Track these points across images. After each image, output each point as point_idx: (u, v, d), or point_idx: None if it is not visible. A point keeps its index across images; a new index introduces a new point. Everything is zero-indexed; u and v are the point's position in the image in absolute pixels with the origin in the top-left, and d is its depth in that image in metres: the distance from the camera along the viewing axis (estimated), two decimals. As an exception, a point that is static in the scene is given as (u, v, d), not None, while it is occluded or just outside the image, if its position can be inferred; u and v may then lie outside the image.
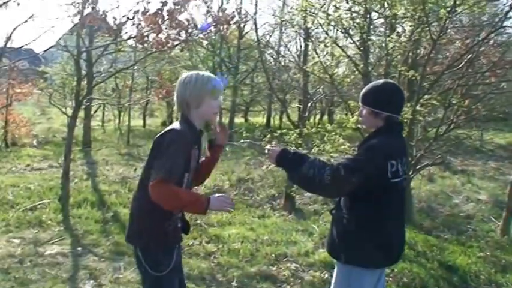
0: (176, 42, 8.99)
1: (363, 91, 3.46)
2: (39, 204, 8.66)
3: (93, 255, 6.53)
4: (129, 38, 9.25)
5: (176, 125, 3.18)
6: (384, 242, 3.24)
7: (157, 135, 3.14)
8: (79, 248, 6.75)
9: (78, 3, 8.35)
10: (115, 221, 8.10)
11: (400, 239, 3.46)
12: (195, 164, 3.26)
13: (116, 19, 8.66)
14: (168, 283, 3.25)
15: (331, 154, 7.66)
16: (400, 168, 3.18)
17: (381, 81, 3.57)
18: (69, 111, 9.28)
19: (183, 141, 3.06)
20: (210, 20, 9.07)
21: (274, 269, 6.34)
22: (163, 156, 2.98)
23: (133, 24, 8.47)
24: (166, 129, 3.14)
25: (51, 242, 6.95)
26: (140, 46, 9.17)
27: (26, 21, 8.57)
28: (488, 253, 7.29)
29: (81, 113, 15.32)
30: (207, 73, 3.31)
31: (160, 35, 8.51)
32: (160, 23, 8.33)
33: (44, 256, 6.35)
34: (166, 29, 8.48)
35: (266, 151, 3.41)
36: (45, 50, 12.18)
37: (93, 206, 8.79)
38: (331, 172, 3.07)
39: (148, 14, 8.30)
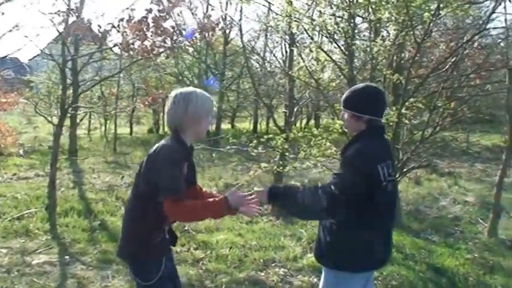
0: (161, 50, 8.98)
1: (345, 95, 3.49)
2: (26, 214, 8.58)
3: (81, 264, 6.48)
4: (115, 45, 9.23)
5: (168, 141, 3.21)
6: (371, 246, 3.23)
7: (151, 152, 3.18)
8: (67, 257, 6.69)
9: (63, 12, 8.32)
10: (102, 230, 8.05)
11: (388, 243, 3.47)
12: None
13: (100, 27, 8.64)
14: None
15: (318, 158, 7.69)
16: (386, 171, 3.20)
17: (362, 84, 3.59)
18: (55, 120, 9.22)
19: (178, 156, 3.10)
20: (194, 26, 9.08)
21: (262, 274, 6.33)
22: (165, 175, 3.02)
23: (119, 32, 8.44)
24: (159, 146, 3.18)
25: (39, 251, 6.88)
26: (126, 54, 9.15)
27: (10, 31, 8.52)
28: (476, 255, 7.34)
29: (67, 122, 15.26)
30: (202, 91, 3.36)
31: (146, 43, 8.48)
32: (145, 30, 8.31)
33: (32, 265, 6.30)
34: (151, 36, 8.46)
35: (255, 194, 3.37)
36: (31, 59, 12.19)
37: (80, 215, 8.72)
38: (326, 196, 3.11)
39: (133, 21, 8.28)
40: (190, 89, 3.35)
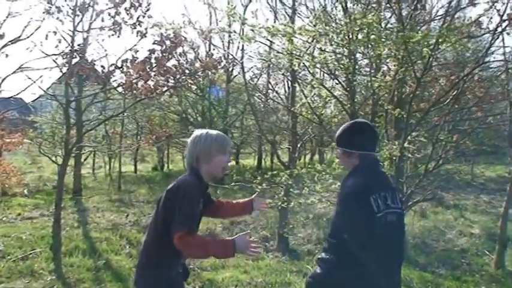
0: (165, 89, 9.08)
1: (336, 133, 3.61)
2: (30, 254, 8.58)
3: (86, 305, 6.48)
4: (118, 86, 9.33)
5: (187, 177, 3.37)
6: (371, 281, 3.20)
7: (170, 187, 3.31)
8: (72, 298, 6.69)
9: (66, 53, 8.44)
10: (107, 269, 8.04)
11: (393, 276, 3.36)
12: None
13: (104, 68, 8.75)
14: None
15: (322, 193, 7.69)
16: (382, 202, 3.21)
17: (352, 121, 3.70)
18: (59, 160, 9.27)
19: (196, 192, 3.26)
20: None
21: (269, 312, 6.31)
22: (181, 209, 3.14)
23: (122, 72, 8.55)
24: (179, 181, 3.32)
25: (44, 292, 6.88)
26: (129, 93, 9.24)
27: (14, 72, 8.63)
28: (483, 287, 7.29)
29: (72, 161, 15.31)
30: (215, 131, 3.54)
31: (149, 82, 8.59)
32: (148, 70, 8.42)
33: (36, 307, 6.30)
34: (154, 76, 8.57)
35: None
36: (34, 100, 12.28)
37: (85, 254, 8.72)
38: (328, 250, 3.31)
39: (136, 62, 8.40)
40: (204, 130, 3.53)
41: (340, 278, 3.25)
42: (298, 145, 11.45)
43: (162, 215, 3.31)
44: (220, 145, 3.42)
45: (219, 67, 9.79)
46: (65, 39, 8.62)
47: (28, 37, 8.53)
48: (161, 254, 3.34)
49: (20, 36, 8.54)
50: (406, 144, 7.31)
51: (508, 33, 7.50)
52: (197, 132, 3.51)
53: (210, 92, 20.24)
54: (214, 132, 3.50)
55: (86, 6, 8.60)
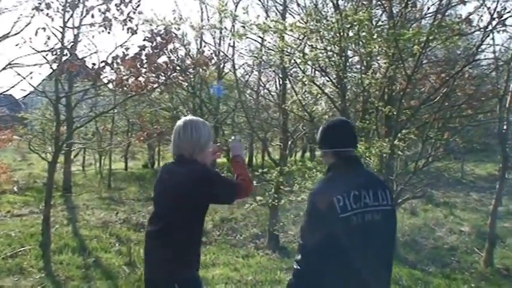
0: (155, 85, 9.05)
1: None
2: (20, 251, 8.53)
3: (75, 302, 6.45)
4: (109, 82, 9.29)
5: (195, 165, 3.39)
6: (344, 282, 3.14)
7: (190, 178, 3.32)
8: (61, 295, 6.66)
9: (56, 49, 8.38)
10: (97, 267, 8.01)
11: (371, 277, 3.22)
12: None
13: (94, 64, 8.70)
14: None
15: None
16: (349, 202, 3.11)
17: (327, 121, 3.67)
18: (50, 157, 9.22)
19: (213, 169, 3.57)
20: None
21: (259, 309, 6.31)
22: (222, 182, 3.43)
23: (112, 69, 8.51)
24: (193, 171, 3.36)
25: (32, 289, 6.83)
26: (120, 90, 9.20)
27: (4, 69, 8.56)
28: (472, 285, 7.34)
29: (62, 158, 15.24)
30: (196, 118, 3.58)
31: (140, 79, 8.55)
32: (139, 67, 8.38)
33: (25, 305, 6.26)
34: (145, 72, 8.53)
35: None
36: (24, 97, 12.20)
37: (75, 252, 8.68)
38: (298, 249, 3.22)
39: (127, 58, 8.36)
40: (193, 117, 3.57)
41: (313, 280, 3.21)
42: (289, 142, 11.45)
43: (185, 211, 3.34)
44: (212, 134, 3.55)
45: (210, 64, 9.76)
46: (55, 36, 8.58)
47: (17, 33, 8.46)
48: (195, 251, 3.50)
49: (9, 33, 8.47)
50: (396, 142, 7.31)
51: (498, 31, 7.54)
52: (193, 120, 3.51)
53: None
54: (199, 120, 3.53)
55: (76, 2, 8.55)
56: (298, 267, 3.14)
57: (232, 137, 3.99)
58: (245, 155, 3.39)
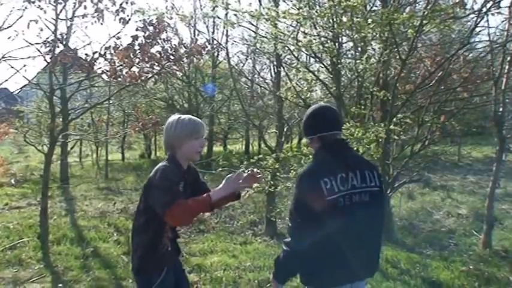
0: (149, 75, 9.02)
1: None
2: (18, 243, 8.54)
3: (75, 292, 6.46)
4: (102, 73, 9.25)
5: (163, 163, 3.47)
6: (330, 262, 3.22)
7: (150, 174, 3.43)
8: (60, 285, 6.68)
9: (49, 41, 8.34)
10: (95, 257, 8.03)
11: (359, 256, 3.29)
12: None
13: (88, 56, 8.66)
14: None
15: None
16: (336, 185, 3.17)
17: (309, 109, 3.63)
18: (46, 149, 9.21)
19: (171, 175, 3.33)
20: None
21: (257, 295, 6.33)
22: (160, 190, 3.24)
23: (106, 60, 8.47)
24: (156, 168, 3.41)
25: (32, 280, 6.86)
26: (114, 81, 9.17)
27: (-3, 62, 8.51)
28: (471, 267, 7.34)
29: (58, 150, 15.22)
30: (188, 116, 3.58)
31: (133, 69, 8.52)
32: (132, 57, 8.35)
33: (25, 295, 6.27)
34: (138, 62, 8.50)
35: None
36: (19, 90, 12.13)
37: (73, 242, 8.70)
38: (287, 232, 3.27)
39: (119, 49, 8.32)
40: (176, 115, 3.59)
41: (300, 261, 3.27)
42: (285, 129, 11.45)
43: (144, 201, 3.47)
44: (191, 131, 3.48)
45: (203, 52, 9.72)
46: (47, 28, 8.54)
47: (10, 26, 8.41)
48: (146, 234, 3.49)
49: (1, 26, 8.42)
50: (392, 126, 7.31)
51: (492, 14, 7.50)
52: (170, 119, 3.58)
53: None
54: (186, 117, 3.55)
55: (68, -7, 8.50)
56: (288, 248, 3.20)
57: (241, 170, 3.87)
58: (224, 191, 3.13)
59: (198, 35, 19.05)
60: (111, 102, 16.19)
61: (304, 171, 3.35)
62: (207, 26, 20.93)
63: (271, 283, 3.60)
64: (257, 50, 12.50)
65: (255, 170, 3.58)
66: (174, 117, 3.57)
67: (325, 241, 3.14)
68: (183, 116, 3.56)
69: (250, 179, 3.53)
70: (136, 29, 8.40)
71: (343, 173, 3.22)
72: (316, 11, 7.71)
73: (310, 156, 7.61)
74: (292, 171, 7.78)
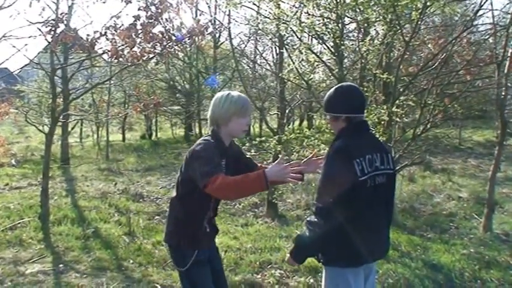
0: (151, 55, 8.97)
1: (324, 99, 3.61)
2: (19, 223, 8.55)
3: (75, 272, 6.48)
4: (103, 53, 9.21)
5: (206, 137, 3.48)
6: (356, 241, 3.25)
7: (190, 148, 3.45)
8: (60, 265, 6.69)
9: (50, 21, 8.28)
10: (96, 237, 8.03)
11: (377, 236, 3.48)
12: None
13: (89, 35, 8.61)
14: (196, 275, 3.59)
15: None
16: (366, 165, 3.24)
17: (336, 86, 3.65)
18: (47, 129, 9.19)
19: (212, 150, 3.33)
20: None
21: (259, 276, 6.34)
22: (201, 162, 3.21)
23: (107, 40, 8.42)
24: (197, 142, 3.43)
25: (32, 260, 6.87)
26: (115, 61, 9.13)
27: (-1, 41, 8.46)
28: (471, 250, 7.35)
29: (59, 130, 15.20)
30: (237, 93, 3.55)
31: (135, 49, 8.47)
32: (134, 37, 8.29)
33: (25, 275, 6.29)
34: (140, 42, 8.45)
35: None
36: (20, 69, 12.09)
37: (74, 223, 8.70)
38: (316, 213, 3.25)
39: (121, 28, 8.27)
40: (226, 92, 3.57)
41: (327, 241, 3.29)
42: (287, 111, 11.40)
43: (183, 175, 3.48)
44: (239, 108, 3.44)
45: (206, 33, 9.66)
46: (49, 7, 8.48)
47: (11, 5, 8.35)
48: (186, 213, 3.53)
49: (2, 4, 8.36)
50: (394, 109, 7.29)
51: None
52: (218, 94, 3.56)
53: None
54: (235, 94, 3.52)
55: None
56: (315, 228, 3.23)
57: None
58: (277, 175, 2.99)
59: (200, 15, 18.91)
60: (112, 82, 16.14)
61: (335, 150, 3.34)
62: (209, 6, 20.82)
63: (287, 261, 3.62)
64: (259, 31, 12.41)
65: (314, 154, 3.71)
66: (223, 93, 3.55)
67: (350, 221, 3.19)
68: (232, 93, 3.54)
69: (311, 164, 3.73)
70: (139, 9, 8.34)
71: (369, 155, 3.30)
72: (319, -8, 7.65)
73: (312, 138, 7.61)
74: (294, 153, 7.75)
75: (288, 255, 3.52)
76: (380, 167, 3.34)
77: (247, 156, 3.99)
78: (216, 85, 20.03)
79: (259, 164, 4.00)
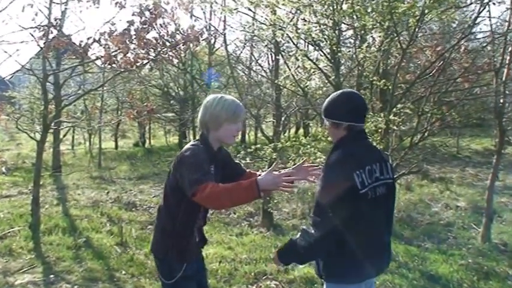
0: (145, 61, 8.88)
1: (324, 104, 3.45)
2: (9, 232, 8.37)
3: (66, 283, 6.34)
4: (97, 58, 9.11)
5: (194, 142, 3.36)
6: (357, 258, 3.14)
7: (178, 153, 3.32)
8: (51, 276, 6.54)
9: (43, 26, 8.18)
10: (87, 247, 7.88)
11: (380, 249, 3.37)
12: None
13: (82, 41, 8.51)
14: None
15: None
16: (365, 178, 3.12)
17: (339, 92, 3.52)
18: (38, 136, 9.05)
19: (201, 155, 3.19)
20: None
21: (253, 288, 6.23)
22: (188, 169, 3.07)
23: (100, 45, 8.32)
24: (185, 147, 3.29)
25: (22, 270, 6.72)
26: (108, 66, 9.03)
27: (-10, 46, 8.34)
28: (470, 260, 7.28)
29: (50, 137, 15.05)
30: (230, 97, 3.43)
31: (128, 55, 8.37)
32: (128, 42, 8.20)
33: (15, 286, 6.16)
34: (134, 48, 8.35)
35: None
36: (12, 75, 11.97)
37: (65, 232, 8.55)
38: (313, 224, 3.12)
39: (115, 34, 8.17)
40: (218, 95, 3.45)
41: (319, 255, 3.25)
42: (283, 118, 11.30)
43: (171, 182, 3.33)
44: (230, 114, 3.31)
45: (200, 39, 9.57)
46: (41, 12, 8.37)
47: (3, 10, 8.24)
48: (174, 223, 3.38)
49: (-6, 9, 8.24)
50: (391, 117, 7.22)
51: (494, 3, 7.41)
52: (210, 97, 3.43)
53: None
54: (228, 98, 3.40)
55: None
56: (311, 240, 3.09)
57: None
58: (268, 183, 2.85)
59: (195, 20, 18.81)
60: (105, 88, 15.99)
61: (334, 162, 3.22)
62: (204, 12, 20.73)
63: (273, 259, 3.54)
64: (255, 38, 12.32)
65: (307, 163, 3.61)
66: (216, 95, 3.43)
67: (351, 235, 3.07)
68: (225, 96, 3.42)
69: (302, 171, 3.57)
70: (133, 14, 8.26)
71: (369, 166, 3.18)
72: (316, -2, 7.58)
73: (308, 146, 7.50)
74: (290, 161, 7.64)
75: (275, 253, 3.42)
76: (380, 177, 3.23)
77: (236, 161, 3.86)
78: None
79: (254, 172, 3.87)
